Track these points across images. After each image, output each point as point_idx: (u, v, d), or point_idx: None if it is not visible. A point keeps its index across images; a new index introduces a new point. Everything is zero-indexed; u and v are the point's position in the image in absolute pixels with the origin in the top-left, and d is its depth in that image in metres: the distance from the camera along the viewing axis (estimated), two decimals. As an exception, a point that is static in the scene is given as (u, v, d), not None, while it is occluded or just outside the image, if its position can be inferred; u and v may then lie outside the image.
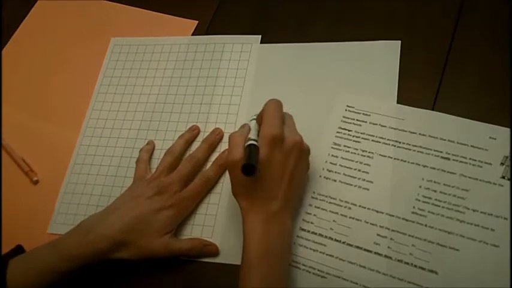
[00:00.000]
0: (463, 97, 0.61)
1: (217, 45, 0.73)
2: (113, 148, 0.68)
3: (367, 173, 0.58)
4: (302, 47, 0.69)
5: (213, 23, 0.75)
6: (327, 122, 0.63)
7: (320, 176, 0.59)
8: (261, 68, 0.69)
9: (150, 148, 0.66)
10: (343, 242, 0.55)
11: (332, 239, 0.56)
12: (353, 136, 0.61)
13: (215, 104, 0.68)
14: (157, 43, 0.75)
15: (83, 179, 0.67)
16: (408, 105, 0.61)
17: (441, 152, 0.57)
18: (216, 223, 0.60)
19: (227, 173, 0.61)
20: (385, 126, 0.60)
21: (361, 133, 0.61)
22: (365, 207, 0.56)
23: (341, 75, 0.66)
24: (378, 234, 0.55)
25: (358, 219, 0.56)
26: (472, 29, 0.64)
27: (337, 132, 0.62)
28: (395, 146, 0.59)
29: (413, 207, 0.55)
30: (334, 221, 0.57)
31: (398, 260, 0.53)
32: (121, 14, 0.80)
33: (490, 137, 0.57)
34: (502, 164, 0.55)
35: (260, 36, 0.72)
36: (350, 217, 0.56)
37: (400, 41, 0.65)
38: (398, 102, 0.62)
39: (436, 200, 0.55)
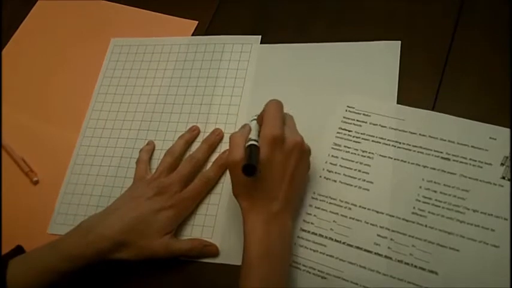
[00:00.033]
0: (463, 97, 0.61)
1: (217, 45, 0.73)
2: (113, 148, 0.68)
3: (368, 173, 0.58)
4: (302, 48, 0.69)
5: (213, 23, 0.75)
6: (327, 122, 0.63)
7: (320, 177, 0.59)
8: (261, 69, 0.69)
9: (150, 148, 0.66)
10: (344, 243, 0.55)
11: (332, 239, 0.56)
12: (353, 136, 0.61)
13: (215, 104, 0.68)
14: (157, 43, 0.75)
15: (83, 180, 0.67)
16: (408, 106, 0.61)
17: (441, 152, 0.57)
18: (216, 223, 0.60)
19: (227, 174, 0.61)
20: (385, 127, 0.60)
21: (361, 133, 0.61)
22: (365, 208, 0.56)
23: (341, 76, 0.66)
24: (378, 235, 0.55)
25: (358, 220, 0.56)
26: (472, 29, 0.64)
27: (338, 132, 0.62)
28: (395, 146, 0.59)
29: (414, 207, 0.55)
30: (334, 221, 0.57)
31: (398, 261, 0.53)
32: (121, 14, 0.80)
33: (490, 138, 0.57)
34: (502, 164, 0.55)
35: (260, 36, 0.72)
36: (350, 217, 0.56)
37: (400, 41, 0.65)
38: (398, 103, 0.62)
39: (436, 200, 0.55)
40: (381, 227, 0.55)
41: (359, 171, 0.58)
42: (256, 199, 0.52)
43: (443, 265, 0.52)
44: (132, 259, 0.56)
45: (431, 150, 0.58)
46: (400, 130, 0.60)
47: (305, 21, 0.72)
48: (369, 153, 0.59)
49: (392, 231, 0.54)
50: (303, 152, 0.54)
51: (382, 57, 0.65)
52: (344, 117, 0.62)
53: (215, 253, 0.58)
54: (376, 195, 0.57)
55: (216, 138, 0.65)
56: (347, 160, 0.59)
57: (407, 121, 0.60)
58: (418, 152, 0.58)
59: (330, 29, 0.70)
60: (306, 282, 0.54)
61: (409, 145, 0.59)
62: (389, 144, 0.59)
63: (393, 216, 0.55)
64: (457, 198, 0.55)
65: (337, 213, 0.57)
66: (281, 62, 0.69)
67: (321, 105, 0.64)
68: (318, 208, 0.58)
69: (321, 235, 0.56)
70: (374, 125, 0.61)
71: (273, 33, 0.72)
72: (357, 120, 0.62)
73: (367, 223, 0.56)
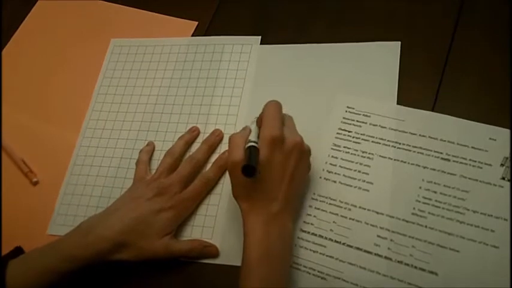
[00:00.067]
0: (463, 97, 0.60)
1: (217, 46, 0.73)
2: (113, 149, 0.68)
3: (367, 174, 0.58)
4: (302, 48, 0.69)
5: (212, 24, 0.75)
6: (327, 123, 0.63)
7: (320, 177, 0.59)
8: (260, 69, 0.69)
9: (150, 149, 0.66)
10: (343, 243, 0.55)
11: (332, 240, 0.56)
12: (353, 137, 0.61)
13: (215, 105, 0.68)
14: (157, 44, 0.75)
15: (83, 180, 0.67)
16: (408, 106, 0.61)
17: (441, 153, 0.57)
18: (216, 224, 0.60)
19: (227, 174, 0.61)
20: (385, 127, 0.60)
21: (361, 134, 0.61)
22: (365, 209, 0.56)
23: (341, 76, 0.66)
24: (378, 236, 0.55)
25: (358, 221, 0.56)
26: (472, 29, 0.64)
27: (337, 133, 0.61)
28: (395, 147, 0.59)
29: (414, 208, 0.55)
30: (334, 222, 0.57)
31: (398, 261, 0.53)
32: (121, 15, 0.80)
33: (490, 138, 0.57)
34: (502, 165, 0.55)
35: (260, 37, 0.72)
36: (350, 218, 0.56)
37: (400, 42, 0.65)
38: (398, 103, 0.62)
39: (436, 201, 0.55)
40: (380, 227, 0.55)
41: (359, 171, 0.58)
42: (255, 200, 0.52)
43: (443, 266, 0.52)
44: (132, 260, 0.56)
45: (431, 150, 0.58)
46: (400, 131, 0.60)
47: (305, 21, 0.72)
48: (369, 153, 0.59)
49: (392, 232, 0.54)
50: (302, 152, 0.54)
51: (382, 58, 0.65)
52: (344, 118, 0.62)
53: (215, 254, 0.58)
54: (376, 196, 0.57)
55: (216, 139, 0.65)
56: (347, 161, 0.59)
57: (407, 122, 0.60)
58: (418, 152, 0.58)
59: (330, 29, 0.70)
60: (306, 283, 0.54)
61: (409, 146, 0.58)
62: (389, 145, 0.59)
63: (393, 217, 0.55)
64: (457, 198, 0.55)
65: (337, 214, 0.57)
66: (281, 63, 0.69)
67: (321, 106, 0.64)
68: (318, 209, 0.58)
69: (320, 236, 0.56)
70: (374, 125, 0.61)
71: (273, 34, 0.72)
72: (357, 121, 0.62)
73: (367, 224, 0.55)
